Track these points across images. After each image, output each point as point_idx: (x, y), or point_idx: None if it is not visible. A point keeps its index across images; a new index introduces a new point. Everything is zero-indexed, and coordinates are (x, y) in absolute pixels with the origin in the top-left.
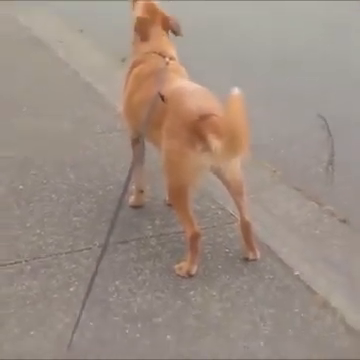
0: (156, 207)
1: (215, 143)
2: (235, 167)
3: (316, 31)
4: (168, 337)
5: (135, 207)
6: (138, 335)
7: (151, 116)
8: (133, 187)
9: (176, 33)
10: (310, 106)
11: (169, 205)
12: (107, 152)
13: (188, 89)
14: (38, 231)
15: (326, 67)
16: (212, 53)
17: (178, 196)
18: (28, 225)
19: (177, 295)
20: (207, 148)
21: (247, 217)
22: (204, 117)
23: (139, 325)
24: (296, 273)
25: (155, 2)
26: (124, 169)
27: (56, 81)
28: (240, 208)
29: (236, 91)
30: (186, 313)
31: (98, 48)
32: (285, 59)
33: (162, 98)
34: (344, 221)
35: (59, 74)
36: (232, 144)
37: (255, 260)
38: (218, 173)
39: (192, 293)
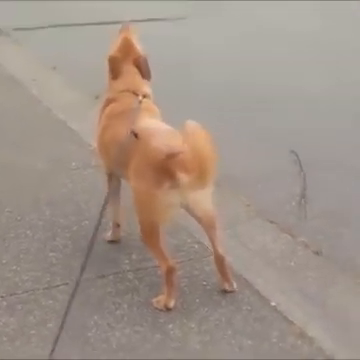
0: (133, 241)
1: (184, 179)
2: (205, 202)
3: (283, 68)
4: None
5: (112, 242)
6: None
7: (121, 155)
8: (110, 222)
9: (143, 76)
10: (282, 141)
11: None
12: (82, 189)
13: (155, 129)
14: (14, 267)
15: (296, 102)
16: (181, 88)
17: (150, 234)
18: (4, 262)
19: (156, 328)
20: (176, 185)
21: (220, 250)
22: (171, 156)
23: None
24: (273, 304)
25: (132, 37)
26: (99, 205)
27: (31, 118)
28: (213, 242)
29: (192, 123)
30: (165, 346)
31: (71, 86)
32: (256, 94)
33: (136, 135)
34: (317, 253)
35: (33, 111)
36: (200, 175)
37: (232, 292)
38: (188, 209)
39: (171, 326)
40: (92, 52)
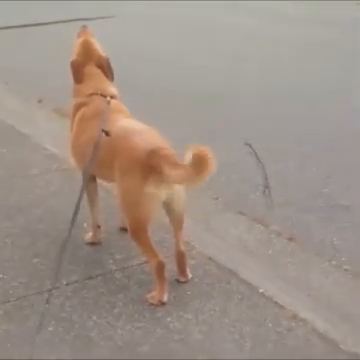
0: (113, 241)
1: (172, 173)
2: (183, 200)
3: (233, 64)
4: None
5: (92, 243)
6: None
7: (97, 155)
8: (85, 224)
9: (107, 77)
10: (232, 134)
11: (123, 229)
12: (50, 193)
13: (134, 127)
14: (1, 276)
15: (236, 95)
16: (133, 86)
17: (139, 231)
18: None
19: (155, 323)
20: (161, 180)
21: (183, 247)
22: (154, 151)
23: (127, 355)
24: (261, 291)
25: (92, 40)
26: (71, 208)
27: None
28: (178, 239)
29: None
30: (169, 339)
31: (10, 91)
32: (194, 90)
33: (107, 133)
34: (291, 239)
35: None
36: (198, 171)
37: (186, 282)
38: (169, 205)
39: (169, 319)
40: (27, 57)
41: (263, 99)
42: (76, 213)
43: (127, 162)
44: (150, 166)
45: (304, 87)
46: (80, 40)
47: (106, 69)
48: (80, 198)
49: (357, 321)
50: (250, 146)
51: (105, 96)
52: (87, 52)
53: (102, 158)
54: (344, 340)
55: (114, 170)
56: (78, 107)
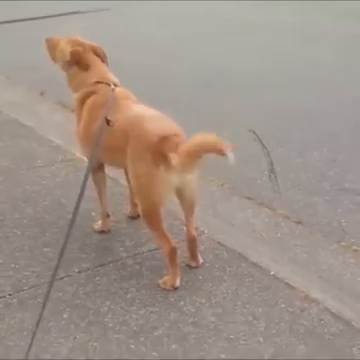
0: (122, 229)
1: (175, 159)
2: (195, 185)
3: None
4: (173, 346)
5: (102, 232)
6: (144, 349)
7: (105, 141)
8: (93, 213)
9: (103, 62)
10: (232, 121)
11: (131, 218)
12: (56, 184)
13: (146, 114)
14: (13, 266)
15: (236, 82)
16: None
17: (152, 216)
18: (0, 261)
19: (169, 307)
20: (170, 167)
21: (194, 232)
22: (165, 138)
23: (142, 339)
24: (272, 273)
25: (77, 36)
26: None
27: None
28: (189, 224)
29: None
30: (183, 322)
31: (12, 85)
32: (194, 77)
33: (108, 122)
34: (299, 222)
35: None
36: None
37: (197, 267)
38: (180, 190)
39: (182, 303)
40: (25, 50)
41: (263, 86)
42: (81, 196)
43: (139, 147)
44: (162, 151)
45: (304, 73)
46: (65, 38)
47: (104, 57)
48: (85, 182)
49: None
50: (254, 132)
51: (109, 84)
52: (80, 43)
53: (114, 144)
54: (357, 318)
55: (126, 155)
56: (85, 96)
